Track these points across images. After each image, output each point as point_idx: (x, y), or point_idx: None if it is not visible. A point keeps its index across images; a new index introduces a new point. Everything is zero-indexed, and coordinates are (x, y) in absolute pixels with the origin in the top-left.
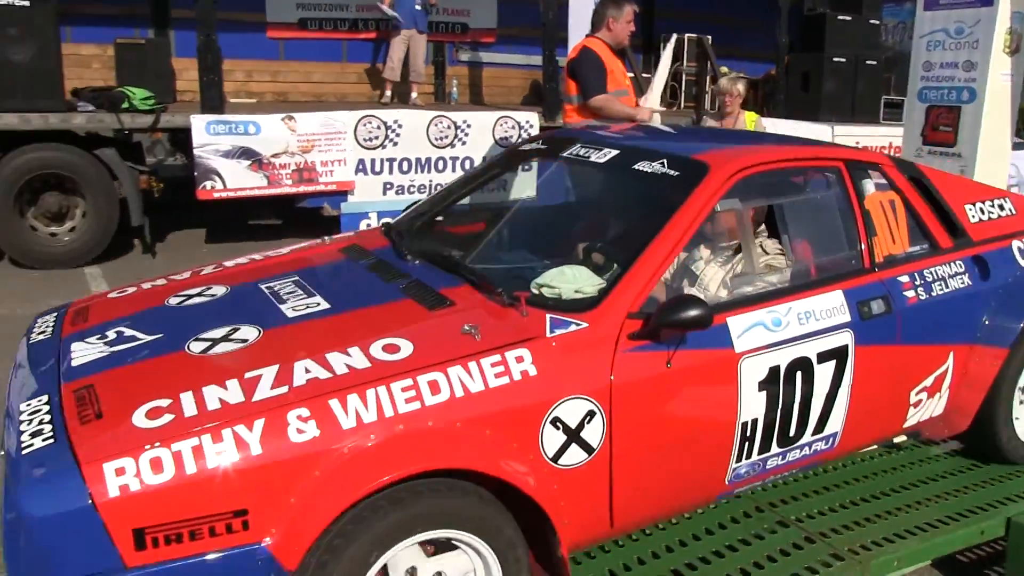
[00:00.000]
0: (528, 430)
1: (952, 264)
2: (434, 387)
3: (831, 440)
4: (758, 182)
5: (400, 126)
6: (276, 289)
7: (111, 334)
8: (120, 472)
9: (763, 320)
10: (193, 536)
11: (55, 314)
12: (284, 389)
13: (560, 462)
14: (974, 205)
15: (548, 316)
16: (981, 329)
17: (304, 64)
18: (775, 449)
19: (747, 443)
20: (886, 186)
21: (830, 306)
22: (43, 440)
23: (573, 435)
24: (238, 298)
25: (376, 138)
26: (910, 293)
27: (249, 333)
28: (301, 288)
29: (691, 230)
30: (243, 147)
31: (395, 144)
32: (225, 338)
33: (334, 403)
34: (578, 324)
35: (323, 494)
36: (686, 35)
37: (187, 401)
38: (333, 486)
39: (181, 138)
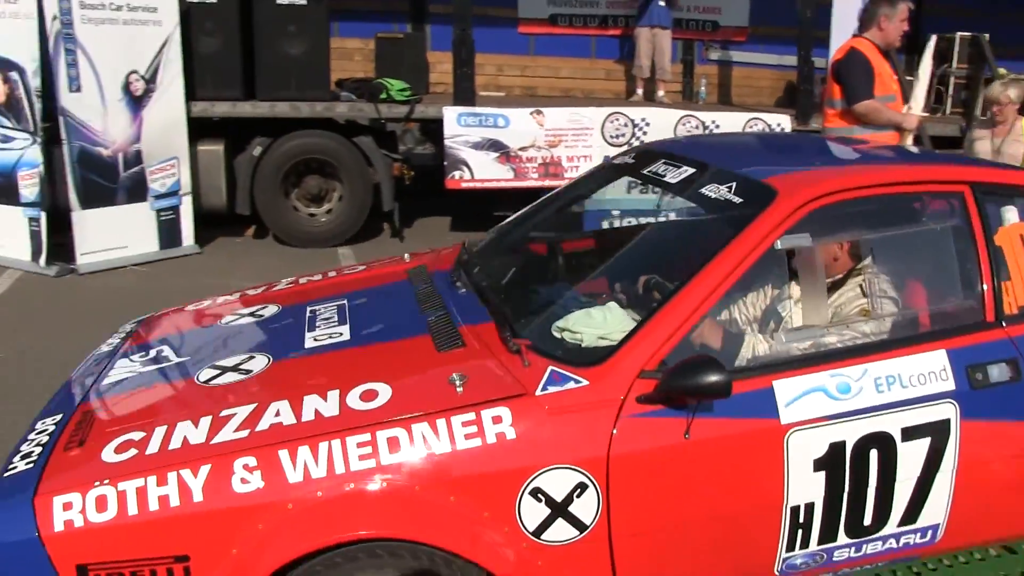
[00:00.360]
0: (503, 499)
1: None
2: (393, 444)
3: (930, 533)
4: (841, 213)
5: (647, 124)
6: (316, 313)
7: (153, 352)
8: (67, 507)
9: (824, 385)
10: None
11: (135, 323)
12: (245, 433)
13: (544, 537)
14: None
15: (550, 369)
16: None
17: (553, 60)
18: (844, 539)
19: (801, 530)
20: None
21: (925, 370)
22: (25, 464)
23: (559, 509)
24: (277, 322)
25: (623, 135)
26: None
27: (259, 363)
28: (339, 315)
29: (739, 271)
30: (492, 139)
31: (641, 142)
32: (235, 367)
33: (283, 454)
34: (578, 381)
35: (262, 550)
36: (958, 34)
37: (156, 437)
38: (273, 542)
39: (432, 128)
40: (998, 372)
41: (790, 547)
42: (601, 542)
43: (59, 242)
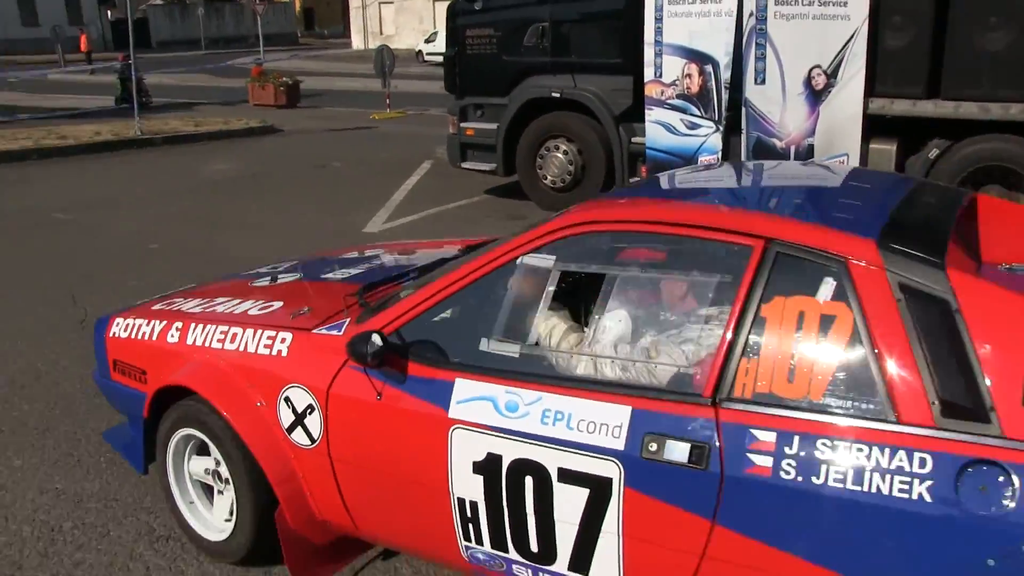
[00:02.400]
0: (270, 396)
1: (913, 454)
2: (232, 338)
3: None
4: (603, 243)
5: None
6: (376, 259)
7: (290, 263)
8: (117, 325)
9: (495, 396)
10: (130, 375)
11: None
12: (199, 310)
13: (292, 437)
14: None
15: (348, 319)
16: None
17: None
18: (516, 556)
19: (471, 525)
20: (844, 295)
21: (599, 419)
22: (142, 300)
23: (299, 418)
24: (354, 260)
25: None
26: (763, 460)
27: (289, 279)
28: (383, 262)
29: (477, 274)
30: None
31: None
32: (276, 279)
33: (192, 326)
34: (340, 331)
35: (160, 379)
36: None
37: (178, 303)
38: (170, 375)
39: None
40: (677, 451)
41: (466, 537)
42: (325, 457)
43: None
